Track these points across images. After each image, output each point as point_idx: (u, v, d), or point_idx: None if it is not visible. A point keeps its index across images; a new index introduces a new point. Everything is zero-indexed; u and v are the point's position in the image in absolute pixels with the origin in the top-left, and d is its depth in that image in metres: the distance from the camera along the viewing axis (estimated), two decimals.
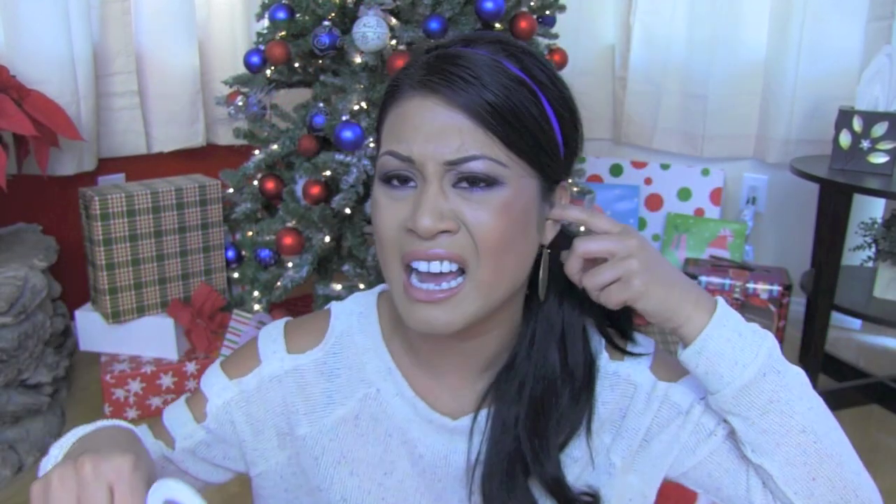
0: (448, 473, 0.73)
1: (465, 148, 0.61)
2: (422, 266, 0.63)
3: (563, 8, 2.19)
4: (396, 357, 0.73)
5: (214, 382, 0.74)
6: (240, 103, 2.09)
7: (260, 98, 2.08)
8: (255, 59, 2.05)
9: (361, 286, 1.89)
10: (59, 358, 1.99)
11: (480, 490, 0.71)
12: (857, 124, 2.11)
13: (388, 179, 0.64)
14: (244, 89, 2.11)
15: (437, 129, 0.61)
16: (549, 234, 0.69)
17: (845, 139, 2.13)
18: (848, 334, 2.72)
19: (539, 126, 0.63)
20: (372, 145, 1.87)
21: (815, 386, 2.43)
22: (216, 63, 2.61)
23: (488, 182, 0.61)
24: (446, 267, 0.62)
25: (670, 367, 0.74)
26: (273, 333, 0.75)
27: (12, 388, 1.82)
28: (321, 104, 1.96)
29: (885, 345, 2.66)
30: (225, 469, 0.77)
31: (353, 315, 0.76)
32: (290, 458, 0.74)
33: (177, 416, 0.75)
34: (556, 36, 2.20)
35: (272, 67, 2.05)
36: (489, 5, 1.85)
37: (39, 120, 1.92)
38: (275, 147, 2.06)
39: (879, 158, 2.10)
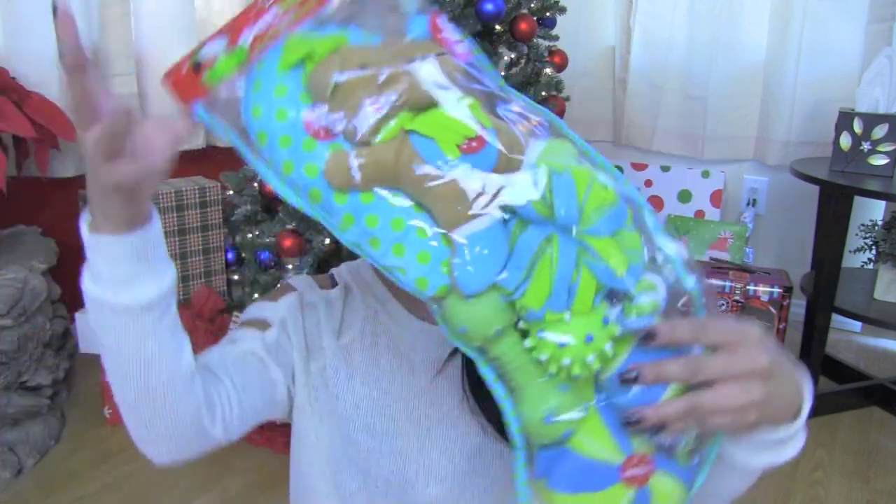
0: (444, 375, 0.77)
1: None
2: None
3: (563, 10, 2.19)
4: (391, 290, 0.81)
5: (263, 308, 0.79)
6: None
7: None
8: None
9: None
10: (58, 360, 1.99)
11: (472, 394, 0.74)
12: (857, 126, 2.11)
13: None
14: None
15: None
16: None
17: (846, 141, 2.13)
18: (848, 336, 2.72)
19: None
20: None
21: (815, 388, 2.41)
22: None
23: None
24: None
25: None
26: (301, 278, 0.83)
27: (12, 391, 1.82)
28: None
29: (885, 347, 2.66)
30: (277, 384, 0.77)
31: (351, 266, 0.84)
32: (318, 370, 0.79)
33: (245, 334, 0.78)
34: (556, 38, 2.20)
35: None
36: (489, 7, 1.85)
37: (39, 122, 1.92)
38: None
39: (880, 160, 2.10)
